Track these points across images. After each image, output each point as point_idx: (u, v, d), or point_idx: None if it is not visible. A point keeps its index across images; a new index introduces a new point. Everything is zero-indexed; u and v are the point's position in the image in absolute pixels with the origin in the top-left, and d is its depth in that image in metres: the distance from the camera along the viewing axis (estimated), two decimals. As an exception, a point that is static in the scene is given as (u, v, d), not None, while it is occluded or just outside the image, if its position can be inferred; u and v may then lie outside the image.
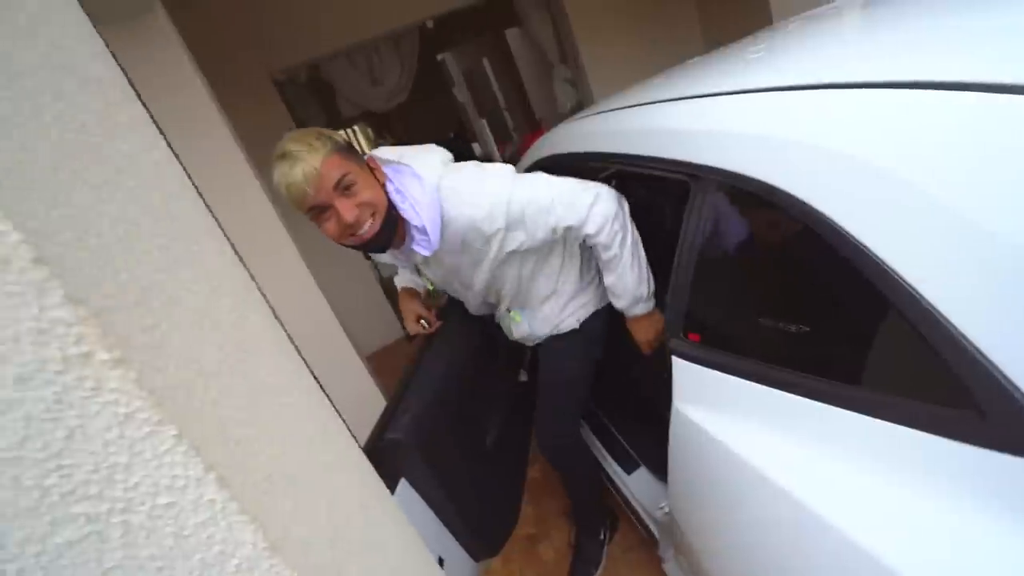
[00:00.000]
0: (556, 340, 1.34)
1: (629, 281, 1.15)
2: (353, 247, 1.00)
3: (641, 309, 1.19)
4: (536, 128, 4.97)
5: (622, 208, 1.12)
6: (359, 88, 3.55)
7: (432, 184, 1.02)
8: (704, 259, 0.84)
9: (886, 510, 0.54)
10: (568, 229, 1.10)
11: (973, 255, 0.47)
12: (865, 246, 0.55)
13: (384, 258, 1.21)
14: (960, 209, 0.48)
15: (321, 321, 1.92)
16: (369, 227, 0.96)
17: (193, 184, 0.44)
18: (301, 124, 3.29)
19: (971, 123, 0.48)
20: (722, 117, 0.79)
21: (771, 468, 0.66)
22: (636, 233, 1.15)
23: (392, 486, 0.95)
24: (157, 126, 0.39)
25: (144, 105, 0.37)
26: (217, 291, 0.36)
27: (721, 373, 0.78)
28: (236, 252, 0.44)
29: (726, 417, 0.76)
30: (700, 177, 0.81)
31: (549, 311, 1.29)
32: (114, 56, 0.36)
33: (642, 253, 1.16)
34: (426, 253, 1.06)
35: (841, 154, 0.58)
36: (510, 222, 1.05)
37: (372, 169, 1.01)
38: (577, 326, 1.31)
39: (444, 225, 1.04)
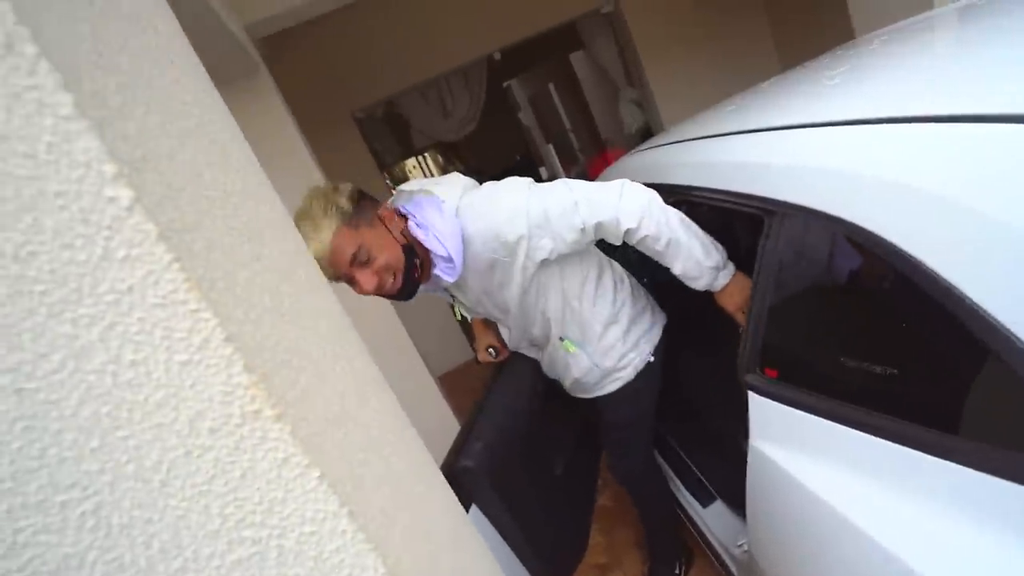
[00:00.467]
0: (615, 397, 1.25)
1: (698, 257, 1.05)
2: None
3: (724, 278, 1.07)
4: (602, 149, 4.99)
5: (653, 195, 1.05)
6: (431, 120, 3.75)
7: (452, 209, 1.03)
8: (781, 294, 0.83)
9: (976, 563, 0.52)
10: (600, 227, 1.04)
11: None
12: (958, 288, 0.54)
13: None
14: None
15: (401, 347, 2.03)
16: (392, 285, 1.01)
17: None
18: (378, 156, 3.52)
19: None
20: (797, 151, 0.79)
21: (855, 513, 0.64)
22: (678, 212, 1.06)
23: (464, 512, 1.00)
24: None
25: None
26: (329, 347, 0.43)
27: (800, 411, 0.77)
28: (342, 309, 0.51)
29: (806, 457, 0.75)
30: (775, 212, 0.81)
31: (613, 339, 1.20)
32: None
33: (695, 227, 1.07)
34: (450, 279, 1.06)
35: (926, 192, 0.57)
36: (532, 226, 1.01)
37: (384, 220, 1.01)
38: (643, 367, 1.23)
39: (466, 244, 1.03)
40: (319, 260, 0.92)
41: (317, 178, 1.70)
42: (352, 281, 0.99)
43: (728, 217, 1.15)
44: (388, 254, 0.99)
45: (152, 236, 0.26)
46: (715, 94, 3.38)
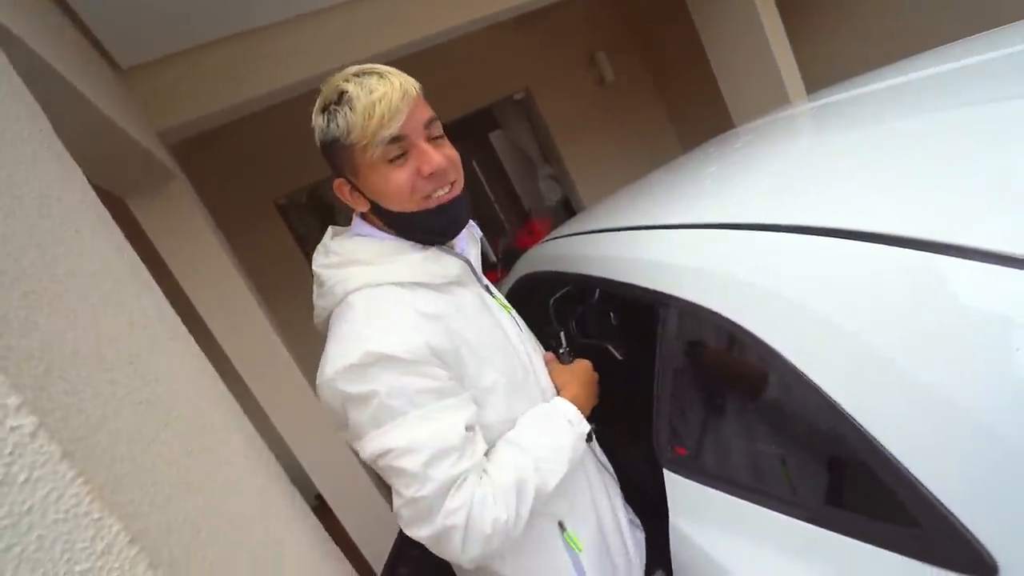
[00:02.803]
0: None
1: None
2: (411, 225, 0.78)
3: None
4: (527, 219, 5.23)
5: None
6: (357, 202, 3.80)
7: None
8: (678, 378, 0.91)
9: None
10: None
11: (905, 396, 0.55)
12: (814, 382, 0.63)
13: None
14: (877, 347, 0.56)
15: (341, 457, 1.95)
16: (450, 190, 0.78)
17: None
18: (303, 240, 3.50)
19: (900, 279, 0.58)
20: (675, 250, 0.90)
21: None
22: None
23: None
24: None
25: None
26: (241, 507, 0.44)
27: (707, 487, 0.83)
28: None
29: (715, 530, 0.81)
30: (668, 304, 0.90)
31: None
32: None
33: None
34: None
35: (780, 294, 0.67)
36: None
37: None
38: None
39: None
40: (402, 101, 0.71)
41: (237, 282, 1.68)
42: (406, 158, 0.74)
43: (631, 307, 1.25)
44: (457, 155, 0.80)
45: (56, 456, 0.28)
46: (625, 168, 3.71)
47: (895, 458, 0.55)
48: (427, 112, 0.76)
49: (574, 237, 1.35)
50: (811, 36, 3.26)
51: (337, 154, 0.76)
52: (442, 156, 0.76)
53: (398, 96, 0.71)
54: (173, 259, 1.56)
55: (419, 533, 0.68)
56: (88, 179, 0.58)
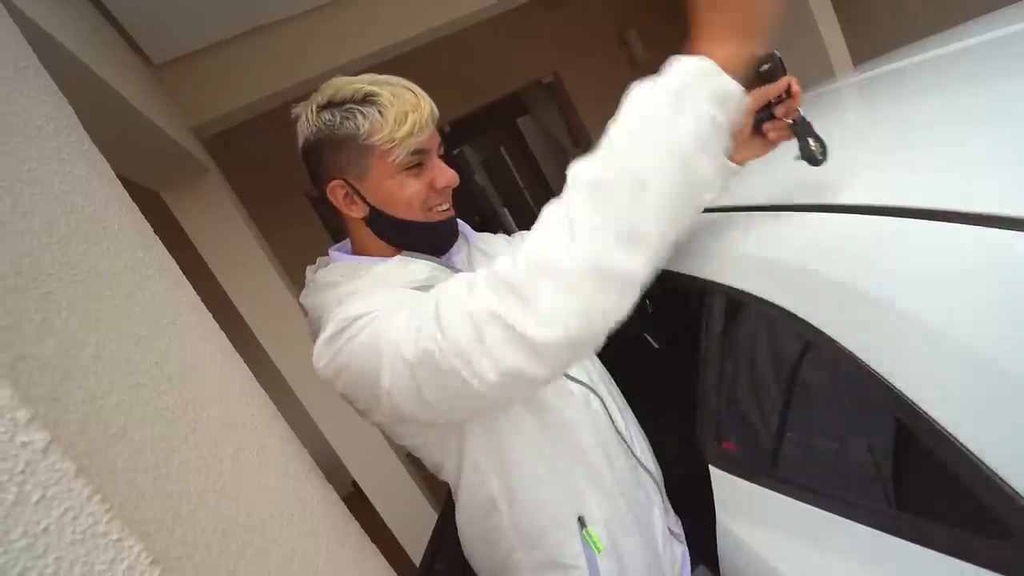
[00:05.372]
0: None
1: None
2: (411, 234, 0.80)
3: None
4: (556, 206, 5.17)
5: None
6: (386, 192, 3.81)
7: None
8: (722, 369, 0.86)
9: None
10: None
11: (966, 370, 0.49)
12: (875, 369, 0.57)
13: None
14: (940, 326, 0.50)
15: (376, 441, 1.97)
16: (448, 208, 0.82)
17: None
18: (336, 233, 3.53)
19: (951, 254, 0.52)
20: (720, 234, 0.85)
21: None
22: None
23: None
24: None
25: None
26: (266, 510, 0.42)
27: (755, 485, 0.78)
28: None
29: (763, 529, 0.76)
30: (714, 291, 0.85)
31: None
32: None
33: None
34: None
35: (833, 278, 0.62)
36: None
37: None
38: None
39: None
40: (429, 119, 0.74)
41: (270, 272, 1.69)
42: (423, 168, 0.77)
43: (670, 294, 1.20)
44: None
45: (70, 473, 0.26)
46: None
47: (976, 456, 0.49)
48: (438, 138, 0.79)
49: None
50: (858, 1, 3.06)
51: (341, 152, 0.74)
52: (452, 172, 0.80)
53: (427, 113, 0.74)
54: (208, 252, 1.58)
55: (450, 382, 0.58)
56: (121, 174, 0.57)
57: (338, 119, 0.72)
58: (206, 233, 1.62)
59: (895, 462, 0.60)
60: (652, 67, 0.59)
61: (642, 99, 0.56)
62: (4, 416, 0.25)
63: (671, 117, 0.53)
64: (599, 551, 0.77)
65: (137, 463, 0.30)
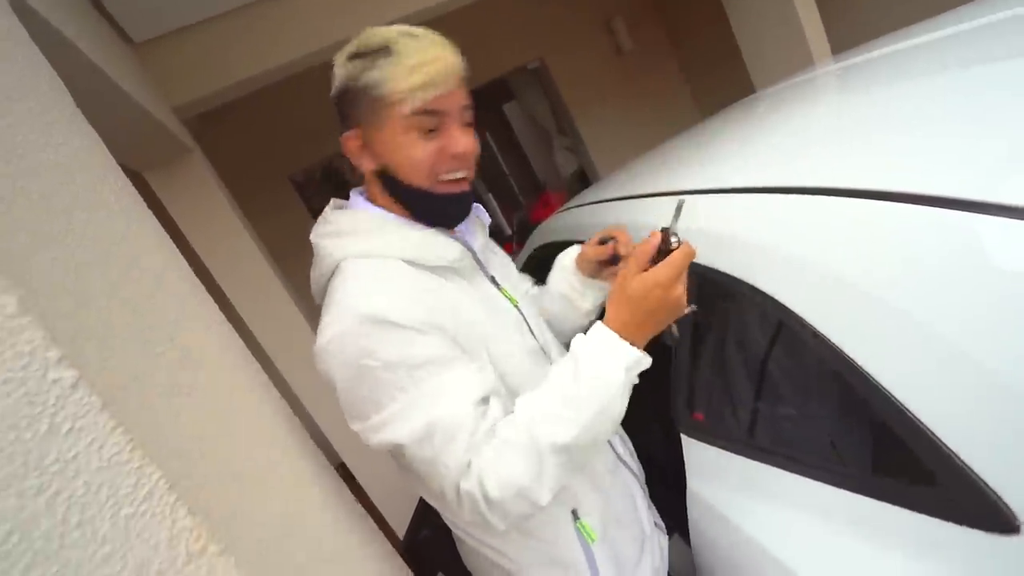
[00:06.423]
0: None
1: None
2: (418, 201, 0.76)
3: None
4: (541, 192, 5.19)
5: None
6: (371, 176, 3.80)
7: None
8: (693, 343, 0.91)
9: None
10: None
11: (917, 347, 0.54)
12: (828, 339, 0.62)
13: None
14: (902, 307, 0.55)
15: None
16: (464, 175, 0.76)
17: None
18: (318, 215, 3.52)
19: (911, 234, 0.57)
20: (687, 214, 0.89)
21: (776, 546, 0.71)
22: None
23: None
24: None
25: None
26: (267, 452, 0.45)
27: (724, 451, 0.84)
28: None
29: (731, 493, 0.81)
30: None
31: None
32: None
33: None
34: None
35: (798, 255, 0.66)
36: None
37: None
38: None
39: None
40: (451, 71, 0.71)
41: (254, 252, 1.70)
42: (437, 133, 0.72)
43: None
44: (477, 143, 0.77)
45: (96, 407, 0.29)
46: (643, 137, 3.63)
47: (912, 414, 0.54)
48: (466, 97, 0.74)
49: (591, 206, 1.34)
50: (838, -7, 3.11)
51: (360, 104, 0.72)
52: (470, 141, 0.74)
53: (450, 67, 0.70)
54: (192, 232, 1.58)
55: (461, 519, 0.77)
56: (106, 152, 0.59)
57: (359, 69, 0.70)
58: (190, 213, 1.63)
59: (844, 424, 0.66)
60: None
61: (607, 388, 0.66)
62: (37, 355, 0.28)
63: (621, 400, 0.68)
64: (593, 541, 0.79)
65: (153, 403, 0.33)
